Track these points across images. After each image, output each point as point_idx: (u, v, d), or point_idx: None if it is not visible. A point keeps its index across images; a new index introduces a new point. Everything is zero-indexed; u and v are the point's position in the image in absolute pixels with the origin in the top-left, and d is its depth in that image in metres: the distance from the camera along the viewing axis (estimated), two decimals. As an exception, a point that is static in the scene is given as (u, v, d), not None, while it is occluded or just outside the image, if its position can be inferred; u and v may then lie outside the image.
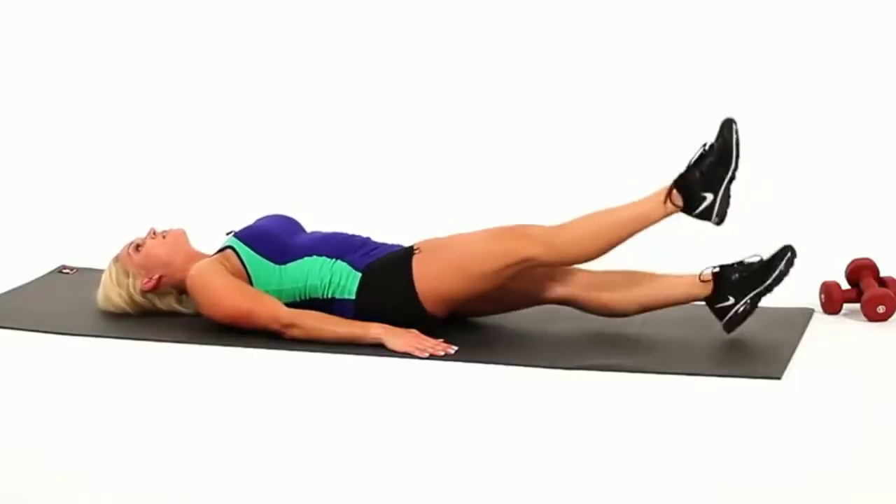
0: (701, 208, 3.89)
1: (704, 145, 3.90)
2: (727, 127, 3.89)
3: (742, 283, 3.97)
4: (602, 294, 4.05)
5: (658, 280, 4.06)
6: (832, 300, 4.24)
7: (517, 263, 3.93)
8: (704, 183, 3.87)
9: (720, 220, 3.90)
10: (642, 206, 3.92)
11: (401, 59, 5.91)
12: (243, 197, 5.37)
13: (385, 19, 5.94)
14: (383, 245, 4.15)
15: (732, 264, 4.01)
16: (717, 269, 4.01)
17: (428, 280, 3.98)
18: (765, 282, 3.96)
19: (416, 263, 3.99)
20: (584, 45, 5.80)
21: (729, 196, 3.88)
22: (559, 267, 4.03)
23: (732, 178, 3.87)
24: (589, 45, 5.79)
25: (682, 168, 3.92)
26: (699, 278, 4.01)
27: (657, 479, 3.13)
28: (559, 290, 4.08)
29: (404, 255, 4.02)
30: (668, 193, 3.89)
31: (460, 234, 4.04)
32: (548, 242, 3.91)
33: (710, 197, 3.86)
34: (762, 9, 5.68)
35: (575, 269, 4.08)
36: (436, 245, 4.02)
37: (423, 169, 5.58)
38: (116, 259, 4.27)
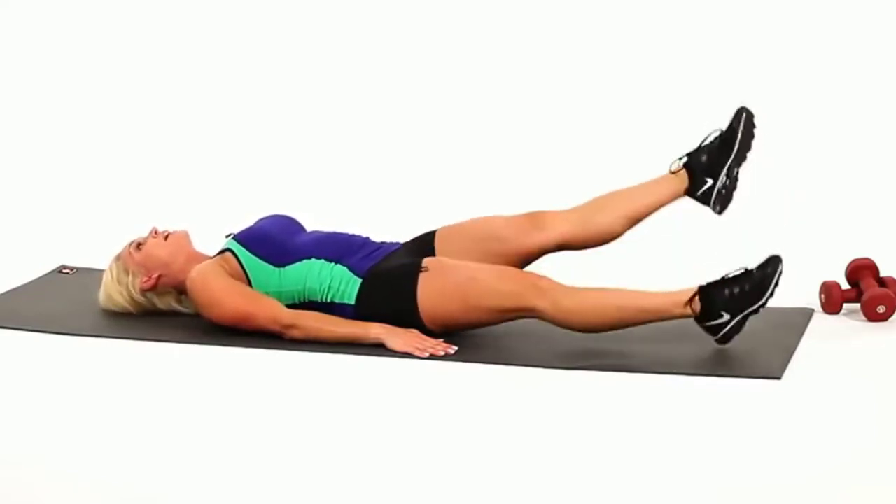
0: (712, 323, 3.81)
1: (745, 268, 3.82)
2: (773, 264, 3.79)
3: (713, 160, 3.94)
4: (590, 223, 4.04)
5: (634, 190, 4.07)
6: (832, 300, 4.24)
7: (520, 310, 3.91)
8: (727, 303, 3.78)
9: (724, 342, 3.84)
10: (662, 299, 3.84)
11: (401, 58, 5.90)
12: (244, 197, 5.36)
13: (384, 19, 5.94)
14: (383, 245, 4.15)
15: (695, 149, 4.02)
16: (683, 159, 4.02)
17: (431, 299, 3.96)
18: (733, 150, 3.93)
19: (423, 281, 3.98)
20: (582, 44, 5.80)
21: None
22: (540, 222, 4.05)
23: (755, 312, 3.79)
24: (586, 43, 5.80)
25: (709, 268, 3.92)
26: (670, 171, 4.01)
27: (657, 479, 3.13)
28: (552, 237, 4.06)
29: (411, 271, 3.99)
30: (691, 298, 3.82)
31: (472, 263, 4.00)
32: (556, 302, 3.86)
33: (726, 317, 3.79)
34: (763, 9, 5.68)
35: (554, 212, 4.09)
36: (444, 267, 3.99)
37: (424, 169, 5.58)
38: (118, 257, 4.28)
